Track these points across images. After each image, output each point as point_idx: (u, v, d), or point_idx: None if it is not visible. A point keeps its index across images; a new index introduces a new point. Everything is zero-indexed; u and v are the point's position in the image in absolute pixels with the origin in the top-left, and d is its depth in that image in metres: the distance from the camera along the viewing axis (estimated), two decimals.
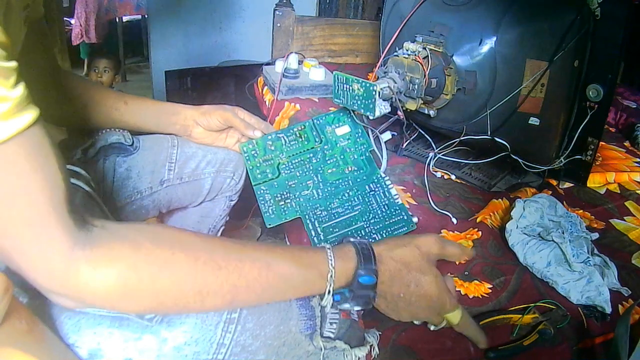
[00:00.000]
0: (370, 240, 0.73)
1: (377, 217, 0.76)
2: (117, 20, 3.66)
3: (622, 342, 0.53)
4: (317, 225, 0.74)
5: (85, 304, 0.43)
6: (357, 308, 0.53)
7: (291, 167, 0.81)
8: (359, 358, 0.54)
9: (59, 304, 0.44)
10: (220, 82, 2.33)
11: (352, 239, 0.54)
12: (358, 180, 0.80)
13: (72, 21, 3.89)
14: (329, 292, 0.50)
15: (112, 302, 0.42)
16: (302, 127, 0.86)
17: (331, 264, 0.49)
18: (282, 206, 0.77)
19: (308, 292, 0.51)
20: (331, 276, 0.49)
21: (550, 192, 0.91)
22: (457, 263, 0.69)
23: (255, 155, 0.82)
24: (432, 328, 0.58)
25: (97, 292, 0.40)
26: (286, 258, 0.48)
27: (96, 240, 0.40)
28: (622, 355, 0.52)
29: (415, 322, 0.59)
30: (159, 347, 0.47)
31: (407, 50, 0.78)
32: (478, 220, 0.82)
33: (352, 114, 0.84)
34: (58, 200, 0.39)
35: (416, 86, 0.78)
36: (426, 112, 0.85)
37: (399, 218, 0.76)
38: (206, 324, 0.49)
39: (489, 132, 0.84)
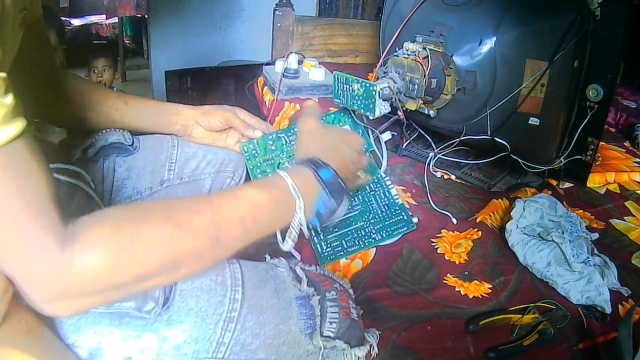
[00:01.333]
0: (369, 240, 0.74)
1: (377, 217, 0.76)
2: (118, 20, 3.66)
3: (626, 344, 0.53)
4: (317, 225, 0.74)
5: (87, 299, 0.42)
6: (343, 208, 0.59)
7: None
8: (358, 357, 0.54)
9: (57, 315, 0.44)
10: (220, 82, 2.33)
11: (287, 164, 0.62)
12: None
13: (73, 21, 3.90)
14: (300, 207, 0.53)
15: (105, 279, 0.41)
16: None
17: (288, 179, 0.54)
18: None
19: (285, 212, 0.54)
20: (294, 189, 0.53)
21: (550, 192, 0.91)
22: None
23: (256, 154, 0.82)
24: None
25: (91, 275, 0.40)
26: (252, 186, 0.53)
27: (79, 233, 0.40)
28: (626, 356, 0.52)
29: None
30: (158, 346, 0.47)
31: (407, 50, 0.78)
32: (478, 220, 0.82)
33: (353, 114, 0.84)
34: (46, 209, 0.39)
35: (416, 86, 0.78)
36: (426, 112, 0.85)
37: (399, 218, 0.76)
38: (206, 322, 0.49)
39: (489, 132, 0.84)
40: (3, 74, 0.36)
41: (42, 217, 0.38)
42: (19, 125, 0.37)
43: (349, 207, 0.69)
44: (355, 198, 0.78)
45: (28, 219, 0.38)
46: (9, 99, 0.36)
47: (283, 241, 0.55)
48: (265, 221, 0.52)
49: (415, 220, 0.77)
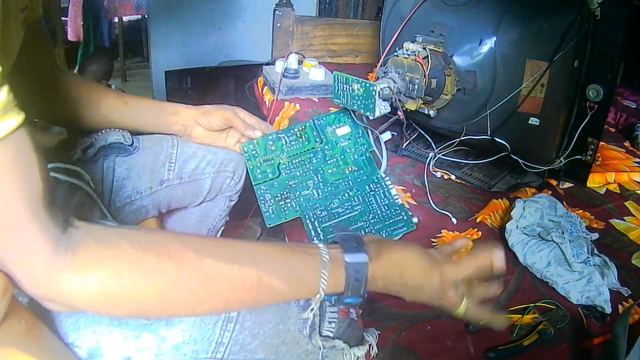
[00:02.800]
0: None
1: (377, 217, 0.76)
2: (117, 20, 3.66)
3: (620, 342, 0.53)
4: (317, 225, 0.74)
5: (72, 309, 0.43)
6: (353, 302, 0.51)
7: (291, 167, 0.81)
8: (357, 357, 0.54)
9: (49, 308, 0.44)
10: (220, 82, 2.33)
11: (344, 243, 0.50)
12: (358, 180, 0.80)
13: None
14: (315, 305, 0.47)
15: (96, 307, 0.41)
16: (303, 127, 0.86)
17: (322, 286, 0.46)
18: (282, 206, 0.77)
19: (300, 298, 0.52)
20: (320, 297, 0.46)
21: (550, 192, 0.91)
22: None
23: (256, 155, 0.82)
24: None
25: (80, 298, 0.39)
26: (278, 272, 0.45)
27: (78, 245, 0.39)
28: (620, 355, 0.52)
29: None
30: (157, 346, 0.47)
31: (407, 51, 0.78)
32: (478, 220, 0.82)
33: (353, 114, 0.84)
34: (38, 206, 0.38)
35: (416, 86, 0.78)
36: (426, 112, 0.85)
37: (398, 218, 0.76)
38: (205, 322, 0.49)
39: (489, 132, 0.84)
40: None
41: (38, 215, 0.38)
42: (15, 118, 0.37)
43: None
44: (355, 198, 0.78)
45: (23, 216, 0.38)
46: (4, 93, 0.36)
47: None
48: (278, 302, 0.51)
49: (415, 220, 0.77)
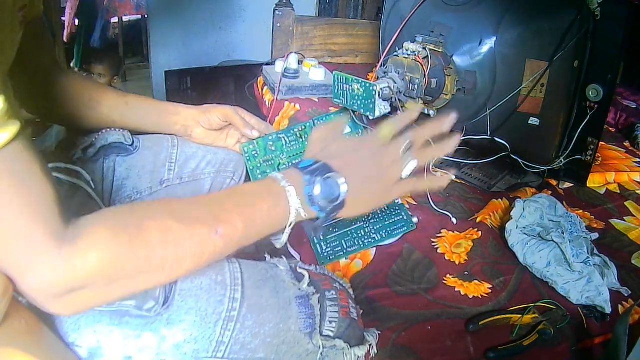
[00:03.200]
0: (369, 240, 0.74)
1: (376, 217, 0.76)
2: (117, 20, 3.66)
3: (621, 343, 0.53)
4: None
5: (86, 298, 0.42)
6: (340, 188, 0.53)
7: None
8: (358, 357, 0.54)
9: (58, 314, 0.44)
10: (220, 82, 2.33)
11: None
12: None
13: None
14: (287, 187, 0.52)
15: (109, 279, 0.42)
16: (303, 127, 0.86)
17: (274, 172, 0.54)
18: None
19: (281, 202, 0.52)
20: (279, 178, 0.52)
21: (550, 192, 0.91)
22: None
23: (256, 155, 0.82)
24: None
25: (91, 274, 0.40)
26: (241, 185, 0.53)
27: (78, 231, 0.40)
28: (621, 355, 0.52)
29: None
30: (158, 345, 0.47)
31: (407, 51, 0.79)
32: (478, 220, 0.82)
33: (353, 114, 0.84)
34: (43, 211, 0.39)
35: (416, 86, 0.78)
36: (426, 112, 0.85)
37: (398, 218, 0.76)
38: (205, 321, 0.49)
39: (489, 132, 0.84)
40: None
41: (41, 220, 0.38)
42: (12, 129, 0.37)
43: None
44: None
45: (26, 223, 0.38)
46: (0, 102, 0.36)
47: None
48: (264, 209, 0.51)
49: (415, 220, 0.77)
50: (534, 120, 0.81)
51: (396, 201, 0.77)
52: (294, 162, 0.57)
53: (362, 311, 0.61)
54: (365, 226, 0.75)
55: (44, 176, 0.40)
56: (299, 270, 0.57)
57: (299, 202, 0.52)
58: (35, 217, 0.38)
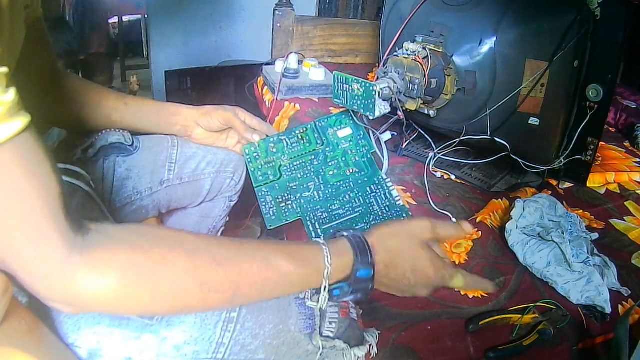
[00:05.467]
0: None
1: (377, 218, 0.76)
2: (117, 20, 3.65)
3: (622, 344, 0.53)
4: (317, 227, 0.74)
5: (83, 310, 0.42)
6: (354, 298, 0.53)
7: (293, 169, 0.81)
8: (358, 357, 0.54)
9: (58, 310, 0.44)
10: (220, 82, 2.32)
11: (345, 233, 0.53)
12: (359, 182, 0.80)
13: None
14: (325, 288, 0.49)
15: (111, 306, 0.42)
16: (304, 129, 0.86)
17: (327, 261, 0.48)
18: (283, 208, 0.77)
19: (306, 288, 0.51)
20: (328, 273, 0.48)
21: (550, 192, 0.91)
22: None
23: (257, 157, 0.83)
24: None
25: (95, 297, 0.39)
26: (283, 254, 0.48)
27: (92, 244, 0.40)
28: (623, 356, 0.52)
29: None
30: (158, 346, 0.47)
31: (407, 51, 0.78)
32: (478, 220, 0.82)
33: (354, 115, 0.84)
34: (53, 205, 0.38)
35: (416, 86, 0.78)
36: (426, 112, 0.85)
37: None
38: (205, 323, 0.49)
39: (489, 132, 0.84)
40: (4, 69, 0.36)
41: (49, 213, 0.38)
42: (24, 119, 0.37)
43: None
44: (356, 200, 0.78)
45: (35, 214, 0.37)
46: (12, 93, 0.36)
47: None
48: (285, 290, 0.50)
49: None
50: (534, 120, 0.81)
51: (397, 202, 0.77)
52: (363, 236, 0.52)
53: (362, 311, 0.61)
54: (365, 228, 0.75)
55: (53, 171, 0.39)
56: None
57: (325, 296, 0.50)
58: (45, 210, 0.38)
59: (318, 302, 0.50)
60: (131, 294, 0.41)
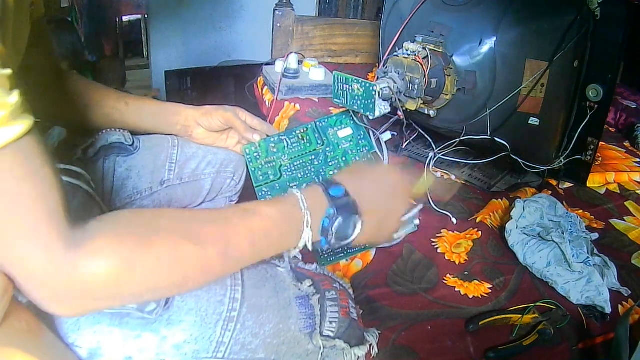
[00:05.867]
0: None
1: None
2: (117, 20, 3.65)
3: (622, 344, 0.53)
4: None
5: (88, 303, 0.42)
6: (355, 229, 0.54)
7: (293, 169, 0.81)
8: (358, 357, 0.54)
9: (59, 314, 0.44)
10: (220, 82, 2.33)
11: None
12: None
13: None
14: (308, 222, 0.51)
15: (114, 290, 0.41)
16: (305, 129, 0.86)
17: (299, 194, 0.52)
18: None
19: (293, 228, 0.52)
20: (303, 203, 0.51)
21: (550, 192, 0.91)
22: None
23: (258, 157, 0.82)
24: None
25: (95, 283, 0.40)
26: (262, 203, 0.52)
27: (87, 236, 0.40)
28: (623, 356, 0.52)
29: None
30: (158, 345, 0.47)
31: (407, 51, 0.79)
32: (478, 220, 0.82)
33: (354, 115, 0.84)
34: (54, 210, 0.38)
35: (416, 86, 0.78)
36: (426, 112, 0.85)
37: None
38: (206, 322, 0.49)
39: (489, 132, 0.84)
40: (8, 71, 0.36)
41: (50, 217, 0.38)
42: (26, 122, 0.37)
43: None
44: None
45: (35, 218, 0.37)
46: (15, 96, 0.36)
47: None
48: (275, 235, 0.51)
49: (416, 222, 0.76)
50: (534, 120, 0.81)
51: None
52: (326, 178, 0.56)
53: (362, 311, 0.61)
54: None
55: (54, 175, 0.39)
56: (300, 271, 0.57)
57: (310, 233, 0.52)
58: (46, 213, 0.38)
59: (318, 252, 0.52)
60: (130, 272, 0.41)
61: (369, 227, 0.55)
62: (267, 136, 0.84)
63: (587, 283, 0.67)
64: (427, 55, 0.78)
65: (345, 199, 0.53)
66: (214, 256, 0.45)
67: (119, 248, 0.40)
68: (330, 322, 0.53)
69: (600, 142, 0.85)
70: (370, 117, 0.76)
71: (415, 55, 0.78)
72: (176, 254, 0.43)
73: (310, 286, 0.56)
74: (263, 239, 0.49)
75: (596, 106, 0.80)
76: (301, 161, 0.82)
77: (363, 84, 0.74)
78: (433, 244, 0.76)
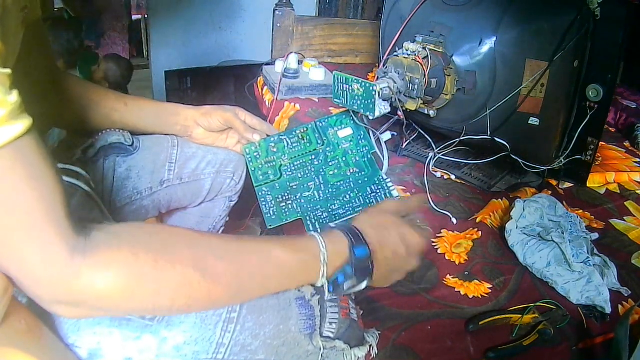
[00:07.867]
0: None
1: None
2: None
3: (622, 344, 0.53)
4: (317, 226, 0.74)
5: (86, 310, 0.42)
6: (361, 286, 0.53)
7: (293, 168, 0.81)
8: (358, 358, 0.54)
9: (58, 315, 0.44)
10: (220, 82, 2.33)
11: (332, 225, 0.56)
12: (360, 182, 0.80)
13: None
14: (323, 275, 0.51)
15: (116, 304, 0.41)
16: (305, 129, 0.86)
17: (322, 245, 0.51)
18: (283, 207, 0.77)
19: (306, 277, 0.51)
20: (324, 258, 0.50)
21: (550, 192, 0.91)
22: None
23: (258, 156, 0.82)
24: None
25: (100, 296, 0.39)
26: (280, 245, 0.49)
27: (95, 244, 0.40)
28: (623, 356, 0.52)
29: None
30: (158, 347, 0.47)
31: (407, 51, 0.78)
32: (478, 220, 0.82)
33: (354, 115, 0.84)
34: (55, 209, 0.38)
35: (416, 86, 0.78)
36: (426, 112, 0.85)
37: None
38: (206, 323, 0.49)
39: (489, 132, 0.84)
40: (7, 71, 0.36)
41: (51, 217, 0.38)
42: (26, 122, 0.37)
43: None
44: (357, 200, 0.78)
45: (36, 218, 0.37)
46: (14, 96, 0.36)
47: None
48: (285, 281, 0.51)
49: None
50: (534, 120, 0.81)
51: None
52: (352, 225, 0.55)
53: (362, 311, 0.61)
54: None
55: (55, 174, 0.39)
56: None
57: (323, 283, 0.51)
58: (48, 213, 0.38)
59: (322, 293, 0.52)
60: (136, 290, 0.41)
61: (375, 278, 0.54)
62: (267, 136, 0.85)
63: (587, 283, 0.67)
64: (427, 55, 0.78)
65: (367, 263, 0.52)
66: (222, 294, 0.46)
67: (134, 265, 0.40)
68: (330, 323, 0.53)
69: (600, 142, 0.85)
70: (370, 117, 0.76)
71: (415, 55, 0.78)
72: (185, 284, 0.43)
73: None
74: (274, 284, 0.50)
75: (596, 106, 0.80)
76: (301, 161, 0.82)
77: (363, 84, 0.74)
78: (433, 244, 0.76)
